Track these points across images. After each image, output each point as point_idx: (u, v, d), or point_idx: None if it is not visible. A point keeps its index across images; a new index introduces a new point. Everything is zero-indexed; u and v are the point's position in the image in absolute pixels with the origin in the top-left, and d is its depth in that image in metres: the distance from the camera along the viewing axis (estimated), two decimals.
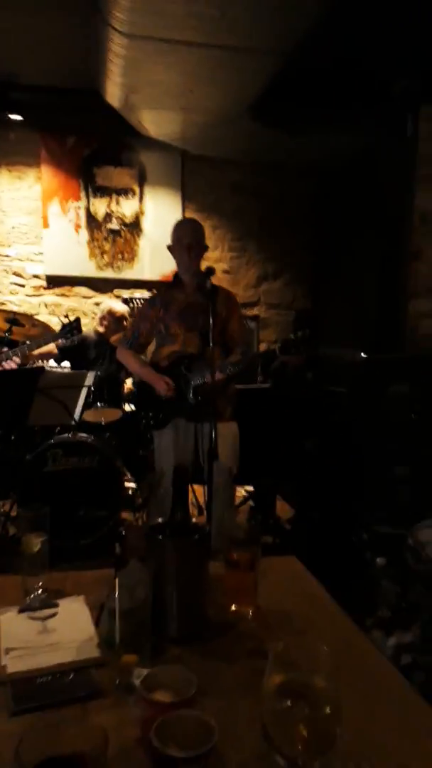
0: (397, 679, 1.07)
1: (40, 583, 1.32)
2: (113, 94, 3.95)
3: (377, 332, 4.09)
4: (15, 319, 3.55)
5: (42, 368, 2.48)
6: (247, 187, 5.69)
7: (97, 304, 5.20)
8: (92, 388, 3.73)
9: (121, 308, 4.33)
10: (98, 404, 3.70)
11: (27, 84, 4.82)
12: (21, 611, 1.23)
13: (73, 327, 3.52)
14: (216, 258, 5.67)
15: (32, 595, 1.29)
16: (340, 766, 0.86)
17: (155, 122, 4.47)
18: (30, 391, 2.27)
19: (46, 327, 3.83)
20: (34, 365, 3.66)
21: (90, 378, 2.63)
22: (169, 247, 3.15)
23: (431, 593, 1.35)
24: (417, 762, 0.86)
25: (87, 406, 3.70)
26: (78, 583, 1.39)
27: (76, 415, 2.48)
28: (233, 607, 1.27)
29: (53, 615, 1.22)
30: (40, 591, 1.30)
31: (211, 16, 2.77)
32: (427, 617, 1.41)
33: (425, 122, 3.20)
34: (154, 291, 5.61)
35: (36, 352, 3.98)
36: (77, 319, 3.52)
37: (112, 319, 4.24)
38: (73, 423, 2.49)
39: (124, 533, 1.32)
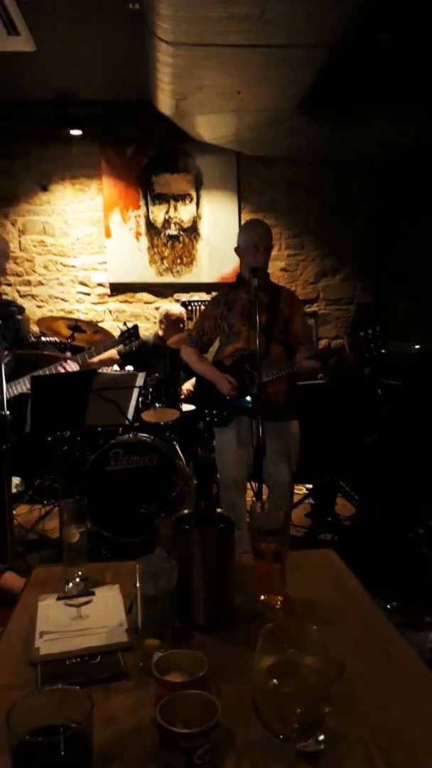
0: (420, 671, 1.06)
1: (80, 573, 1.39)
2: (164, 102, 4.04)
3: None
4: (77, 326, 3.69)
5: (95, 370, 2.58)
6: (302, 184, 5.66)
7: (158, 308, 5.32)
8: (151, 390, 3.84)
9: (176, 310, 4.42)
10: (156, 405, 3.81)
11: (85, 99, 5.00)
12: (59, 599, 1.30)
13: (131, 334, 3.63)
14: (273, 256, 5.59)
15: (71, 584, 1.36)
16: (347, 748, 0.87)
17: (207, 127, 4.53)
18: (85, 393, 2.36)
19: (107, 334, 3.97)
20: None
21: (141, 379, 2.71)
22: (237, 249, 3.22)
23: None
24: (427, 753, 0.85)
25: (146, 406, 3.82)
26: (117, 573, 1.45)
27: (130, 414, 2.56)
28: (261, 597, 1.29)
29: (88, 602, 1.28)
30: (78, 580, 1.36)
31: (251, 17, 2.79)
32: None
33: None
34: (213, 293, 5.70)
35: (97, 359, 4.14)
36: (135, 326, 3.63)
37: (168, 321, 4.33)
38: (126, 422, 2.57)
39: (156, 524, 1.37)
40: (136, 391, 2.55)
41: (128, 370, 4.33)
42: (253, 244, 3.14)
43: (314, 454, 3.61)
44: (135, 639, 1.12)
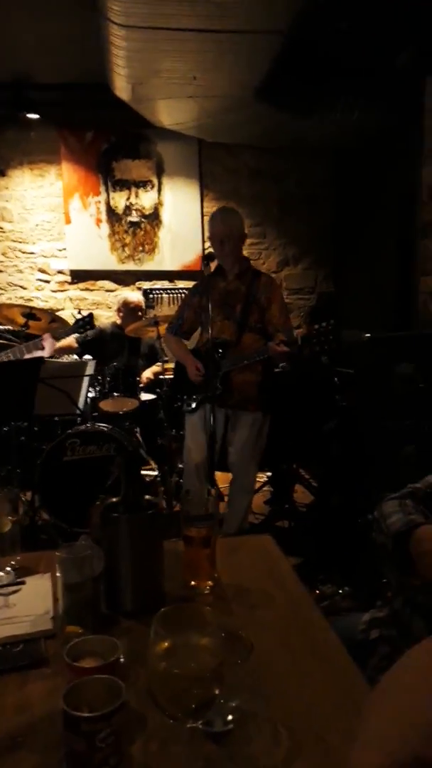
0: (339, 655, 1.07)
1: (13, 562, 1.38)
2: (121, 87, 3.99)
3: (396, 312, 4.02)
4: (32, 313, 3.65)
5: (41, 358, 2.56)
6: (264, 172, 5.65)
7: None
8: (109, 379, 3.82)
9: (134, 298, 4.39)
10: (114, 394, 3.79)
11: (42, 83, 4.90)
12: None
13: (86, 322, 3.60)
14: None
15: (1, 573, 1.34)
16: (255, 728, 0.88)
17: (165, 112, 4.48)
18: (32, 382, 2.34)
19: (64, 322, 3.92)
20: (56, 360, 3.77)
21: (91, 367, 2.69)
22: (209, 238, 3.30)
23: (392, 566, 1.34)
24: (333, 733, 0.86)
25: (103, 396, 3.80)
26: (50, 562, 1.44)
27: (80, 403, 2.54)
28: (192, 582, 1.29)
29: (17, 591, 1.27)
30: (9, 569, 1.35)
31: (203, 1, 2.77)
32: (393, 591, 1.40)
33: (429, 94, 3.12)
34: (176, 281, 5.68)
35: (57, 346, 4.10)
36: (90, 315, 3.60)
37: (126, 309, 4.30)
38: (77, 412, 2.55)
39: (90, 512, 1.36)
40: (86, 380, 2.53)
41: (86, 359, 4.30)
42: (213, 235, 3.19)
43: (274, 442, 3.65)
44: (58, 627, 1.11)
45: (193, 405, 3.26)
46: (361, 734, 0.74)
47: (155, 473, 4.14)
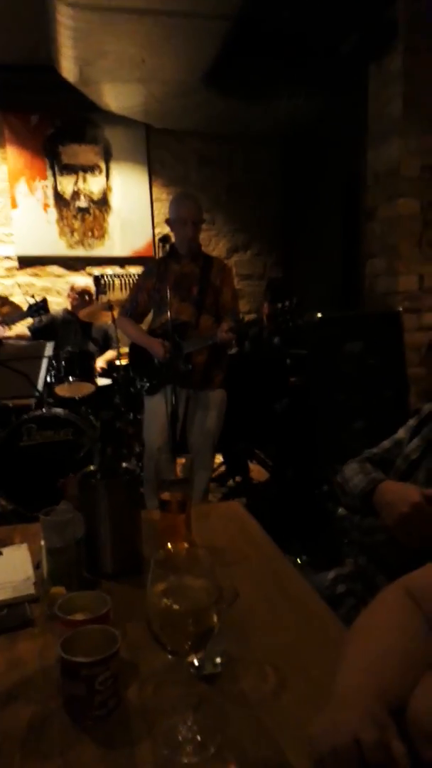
0: (311, 600, 1.14)
1: None
2: (68, 68, 3.93)
3: (343, 294, 4.14)
4: None
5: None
6: (213, 159, 5.67)
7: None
8: (63, 363, 3.79)
9: (82, 283, 4.39)
10: (70, 378, 3.77)
11: None
12: None
13: (39, 307, 3.56)
14: None
15: None
16: (243, 668, 0.93)
17: (113, 96, 4.44)
18: None
19: (16, 307, 3.87)
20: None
21: (49, 348, 2.68)
22: (167, 221, 3.30)
23: (354, 526, 1.43)
24: (315, 668, 0.92)
25: (59, 380, 3.77)
26: (25, 533, 1.46)
27: (39, 386, 2.53)
28: (168, 546, 1.33)
29: None
30: None
31: None
32: (356, 549, 1.48)
33: (373, 80, 3.21)
34: (127, 266, 5.65)
35: (6, 334, 4.05)
36: (44, 300, 3.56)
37: (75, 294, 4.29)
38: (36, 394, 2.54)
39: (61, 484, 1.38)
40: (45, 362, 2.52)
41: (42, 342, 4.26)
42: (180, 218, 3.22)
43: (229, 422, 3.71)
44: (42, 590, 1.14)
45: (148, 385, 3.28)
46: (344, 663, 0.81)
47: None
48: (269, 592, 1.16)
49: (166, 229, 3.43)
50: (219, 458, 4.46)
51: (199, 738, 0.77)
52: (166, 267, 3.30)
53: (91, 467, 1.27)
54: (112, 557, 1.24)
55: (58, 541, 1.14)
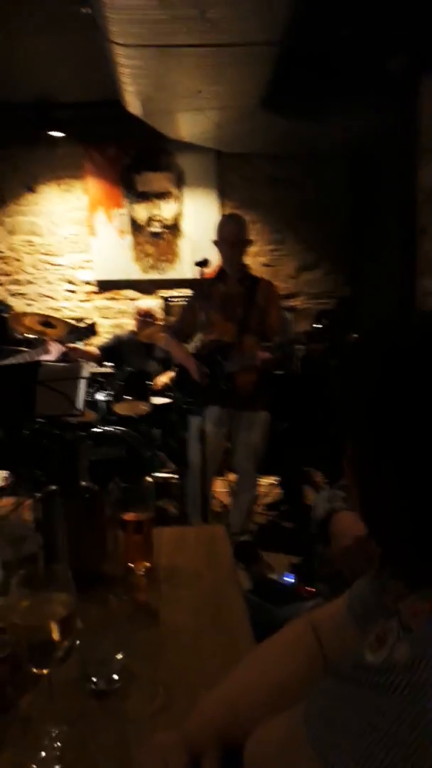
0: (240, 624, 1.14)
1: None
2: (131, 102, 4.14)
3: (401, 313, 4.01)
4: (48, 321, 3.83)
5: (38, 362, 2.71)
6: (282, 180, 5.71)
7: None
8: (122, 383, 3.98)
9: (145, 305, 4.55)
10: (126, 397, 3.94)
11: (65, 101, 5.12)
12: None
13: (88, 330, 3.77)
14: (255, 252, 5.73)
15: None
16: (136, 687, 0.96)
17: (178, 125, 4.62)
18: (31, 384, 2.48)
19: (64, 325, 4.12)
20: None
21: (86, 369, 2.83)
22: (215, 242, 3.39)
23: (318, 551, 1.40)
24: (204, 688, 0.93)
25: (116, 399, 3.95)
26: None
27: (79, 405, 2.68)
28: (129, 564, 1.38)
29: None
30: None
31: (192, 18, 2.88)
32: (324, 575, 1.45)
33: (424, 97, 3.13)
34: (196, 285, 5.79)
35: (82, 348, 4.32)
36: (92, 324, 3.77)
37: (139, 316, 4.46)
38: (77, 413, 2.70)
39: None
40: (83, 382, 2.67)
41: (106, 365, 4.49)
42: (224, 239, 3.30)
43: (281, 444, 3.70)
44: None
45: (192, 405, 3.35)
46: (215, 689, 0.82)
47: (175, 475, 4.25)
48: (203, 618, 1.18)
49: None
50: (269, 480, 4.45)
51: (57, 752, 0.81)
52: (212, 288, 3.38)
53: (52, 487, 1.35)
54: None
55: (9, 553, 1.22)
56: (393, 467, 0.62)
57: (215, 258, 3.43)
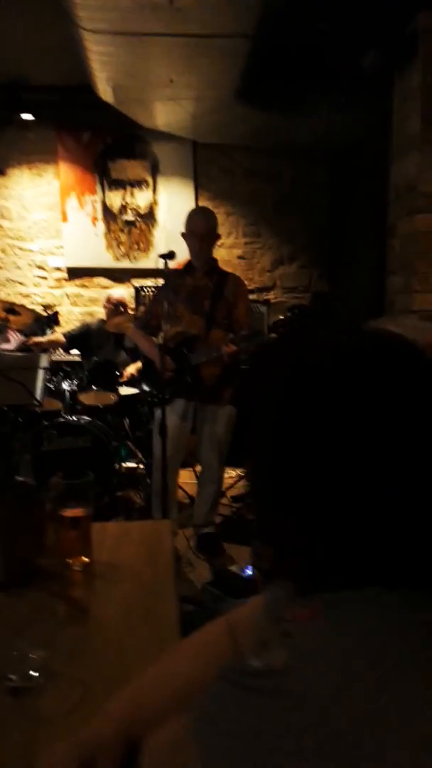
0: (170, 620, 1.15)
1: None
2: (102, 89, 4.09)
3: (376, 312, 4.05)
4: (12, 308, 3.79)
5: None
6: (259, 173, 5.70)
7: None
8: (88, 373, 3.95)
9: (116, 295, 4.52)
10: (93, 387, 3.92)
11: (37, 84, 5.03)
12: None
13: (49, 320, 3.75)
14: (230, 244, 5.74)
15: None
16: (54, 685, 0.96)
17: (151, 114, 4.58)
18: None
19: (30, 315, 4.08)
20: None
21: (44, 360, 2.82)
22: (183, 235, 3.38)
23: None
24: (121, 684, 0.94)
25: (82, 389, 3.93)
26: None
27: (38, 395, 2.66)
28: (67, 560, 1.38)
29: None
30: None
31: (161, 6, 2.84)
32: None
33: (396, 94, 3.13)
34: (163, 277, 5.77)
35: (45, 339, 4.27)
36: (55, 313, 3.75)
37: (109, 305, 4.43)
38: (36, 403, 2.68)
39: None
40: (41, 372, 2.65)
41: (73, 354, 4.46)
42: (191, 232, 3.30)
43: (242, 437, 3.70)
44: None
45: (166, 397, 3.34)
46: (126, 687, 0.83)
47: (141, 466, 4.24)
48: (134, 616, 1.18)
49: None
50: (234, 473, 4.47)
51: None
52: (180, 281, 3.38)
53: None
54: (3, 569, 1.30)
55: None
56: (289, 485, 0.61)
57: (185, 250, 3.42)
